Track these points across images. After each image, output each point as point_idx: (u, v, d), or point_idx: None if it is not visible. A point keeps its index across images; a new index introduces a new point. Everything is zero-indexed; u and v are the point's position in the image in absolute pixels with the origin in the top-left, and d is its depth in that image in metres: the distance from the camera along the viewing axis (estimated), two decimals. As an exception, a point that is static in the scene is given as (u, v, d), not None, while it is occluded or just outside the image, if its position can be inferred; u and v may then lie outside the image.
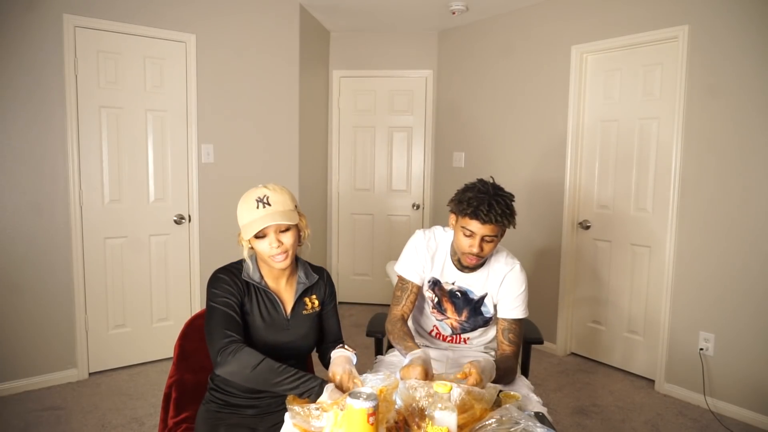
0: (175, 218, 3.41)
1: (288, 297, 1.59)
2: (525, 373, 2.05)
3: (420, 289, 1.86)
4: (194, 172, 3.45)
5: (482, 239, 1.64)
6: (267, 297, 1.55)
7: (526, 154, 3.88)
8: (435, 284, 1.85)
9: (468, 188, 1.70)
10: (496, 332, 1.83)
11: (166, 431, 1.69)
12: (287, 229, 1.48)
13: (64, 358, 3.07)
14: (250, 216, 1.46)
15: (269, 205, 1.46)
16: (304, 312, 1.60)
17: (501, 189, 1.70)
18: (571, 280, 3.67)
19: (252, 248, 1.52)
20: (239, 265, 1.57)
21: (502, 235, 1.71)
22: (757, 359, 2.74)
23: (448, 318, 1.88)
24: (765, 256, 2.70)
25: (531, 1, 3.75)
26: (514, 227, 1.68)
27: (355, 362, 1.50)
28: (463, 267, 1.79)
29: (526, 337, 2.02)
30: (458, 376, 1.45)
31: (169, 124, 3.35)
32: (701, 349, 2.94)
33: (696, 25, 2.90)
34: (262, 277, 1.55)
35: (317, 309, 1.63)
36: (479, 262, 1.73)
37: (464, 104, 4.38)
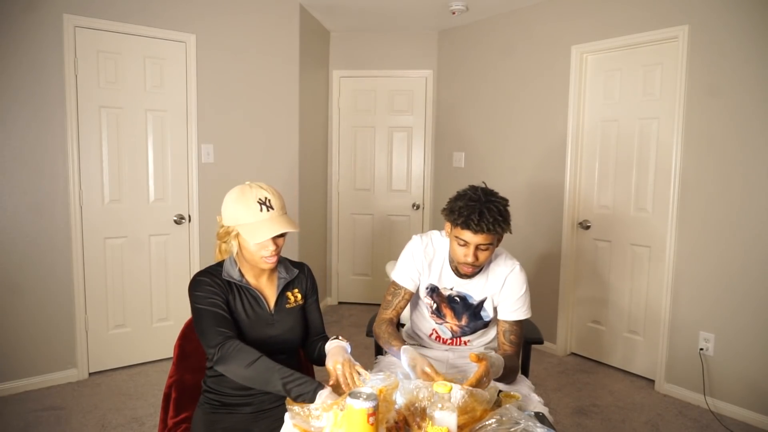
0: (175, 218, 3.41)
1: (270, 293, 1.60)
2: (525, 373, 2.04)
3: (412, 295, 1.86)
4: (194, 172, 3.45)
5: (477, 248, 1.62)
6: (249, 294, 1.56)
7: (526, 154, 3.88)
8: (433, 291, 1.84)
9: (459, 196, 1.66)
10: (497, 333, 1.82)
11: (166, 431, 1.69)
12: (283, 233, 1.50)
13: (64, 358, 3.07)
14: (253, 217, 1.46)
15: (272, 208, 1.48)
16: (288, 306, 1.61)
17: (493, 194, 1.65)
18: (571, 280, 3.67)
19: (237, 244, 1.53)
20: (218, 266, 1.58)
21: (498, 241, 1.68)
22: (757, 359, 2.74)
23: (448, 323, 1.87)
24: (765, 256, 2.70)
25: (531, 1, 3.75)
26: (510, 232, 1.65)
27: (349, 352, 1.51)
28: (461, 273, 1.78)
29: (526, 337, 2.01)
30: (471, 359, 1.46)
31: (169, 124, 3.35)
32: (701, 349, 2.94)
33: (696, 25, 2.90)
34: (242, 275, 1.56)
35: (300, 302, 1.65)
36: (476, 270, 1.72)
37: (464, 104, 4.38)
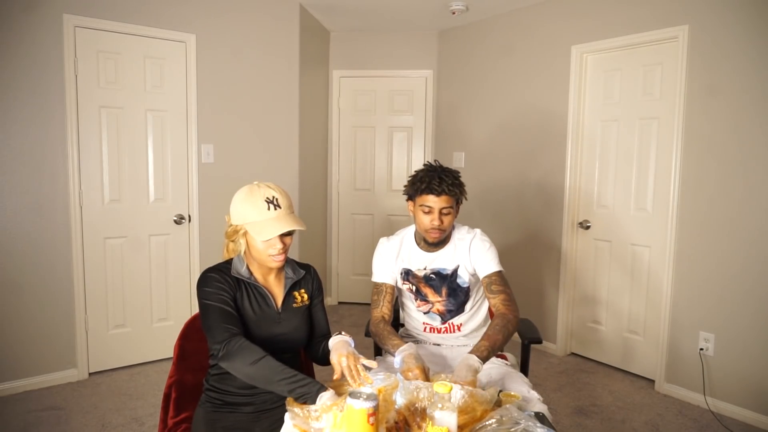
0: (175, 218, 3.41)
1: (278, 291, 1.62)
2: (525, 373, 2.04)
3: (394, 288, 1.95)
4: (194, 172, 3.45)
5: (440, 212, 1.78)
6: (257, 291, 1.57)
7: (526, 155, 3.88)
8: (408, 274, 1.93)
9: (418, 171, 1.88)
10: (484, 291, 1.89)
11: (166, 431, 1.69)
12: (290, 232, 1.51)
13: (64, 358, 3.07)
14: (260, 216, 1.47)
15: (279, 207, 1.49)
16: (294, 305, 1.62)
17: (447, 167, 1.87)
18: (571, 280, 3.67)
19: (245, 243, 1.54)
20: (227, 264, 1.59)
21: (457, 206, 1.85)
22: (757, 359, 2.74)
23: (432, 303, 1.92)
24: (765, 256, 2.70)
25: (531, 1, 3.75)
26: (465, 198, 1.87)
27: (353, 346, 1.52)
28: (429, 246, 1.89)
29: (526, 336, 2.02)
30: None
31: (169, 124, 3.36)
32: (701, 349, 2.94)
33: (696, 25, 2.90)
34: (251, 273, 1.58)
35: (306, 303, 1.67)
36: (442, 235, 1.83)
37: (464, 104, 4.38)
